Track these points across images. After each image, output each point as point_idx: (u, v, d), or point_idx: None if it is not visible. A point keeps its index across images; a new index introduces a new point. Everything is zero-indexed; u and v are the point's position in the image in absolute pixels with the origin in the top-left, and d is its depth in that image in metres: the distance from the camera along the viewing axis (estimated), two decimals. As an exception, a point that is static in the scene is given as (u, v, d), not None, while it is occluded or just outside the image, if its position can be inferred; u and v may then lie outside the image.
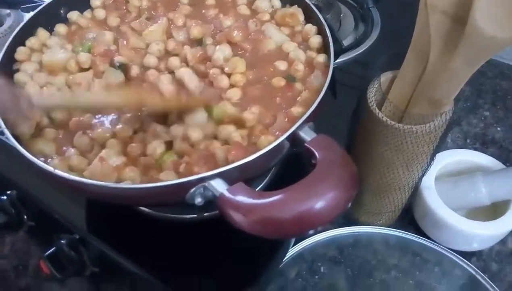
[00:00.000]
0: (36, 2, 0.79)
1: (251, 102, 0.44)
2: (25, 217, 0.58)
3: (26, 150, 0.38)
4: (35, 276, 0.59)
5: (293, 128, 0.38)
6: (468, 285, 0.52)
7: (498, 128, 0.71)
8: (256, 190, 0.46)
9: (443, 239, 0.55)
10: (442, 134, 0.45)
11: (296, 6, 0.53)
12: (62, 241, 0.51)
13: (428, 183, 0.54)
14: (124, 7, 0.55)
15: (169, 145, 0.42)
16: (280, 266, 0.51)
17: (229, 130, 0.41)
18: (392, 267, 0.53)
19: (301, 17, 0.52)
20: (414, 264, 0.53)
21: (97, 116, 0.44)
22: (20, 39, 0.49)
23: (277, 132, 0.41)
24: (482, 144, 0.69)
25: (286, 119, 0.42)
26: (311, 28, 0.50)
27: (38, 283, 0.58)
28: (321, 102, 0.40)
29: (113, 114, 0.44)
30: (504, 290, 0.54)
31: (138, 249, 0.49)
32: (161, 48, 0.49)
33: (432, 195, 0.54)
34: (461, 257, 0.53)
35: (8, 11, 0.77)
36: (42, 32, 0.51)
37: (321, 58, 0.47)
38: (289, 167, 0.48)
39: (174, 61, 0.48)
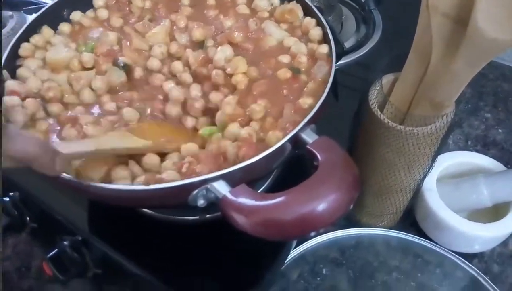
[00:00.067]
0: (39, 4, 0.79)
1: (257, 98, 0.44)
2: (28, 218, 0.58)
3: None
4: (37, 278, 0.58)
5: (295, 130, 0.38)
6: (470, 287, 0.52)
7: (499, 130, 0.71)
8: (258, 191, 0.46)
9: (445, 240, 0.55)
10: (444, 136, 0.45)
11: (294, 1, 0.53)
12: (64, 243, 0.51)
13: (430, 185, 0.54)
14: (127, 8, 0.55)
15: None
16: (282, 267, 0.51)
17: (235, 130, 0.41)
18: (394, 268, 0.53)
19: (300, 12, 0.52)
20: (415, 265, 0.53)
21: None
22: (24, 41, 0.49)
23: (287, 125, 0.40)
24: (484, 146, 0.69)
25: (292, 111, 0.42)
26: (310, 20, 0.50)
27: (40, 284, 0.58)
28: (323, 105, 0.41)
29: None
30: (506, 292, 0.54)
31: (140, 251, 0.49)
32: (164, 50, 0.49)
33: (433, 197, 0.54)
34: (462, 259, 0.53)
35: (10, 13, 0.77)
36: (46, 30, 0.51)
37: (323, 48, 0.47)
38: (291, 169, 0.48)
39: (177, 65, 0.48)
